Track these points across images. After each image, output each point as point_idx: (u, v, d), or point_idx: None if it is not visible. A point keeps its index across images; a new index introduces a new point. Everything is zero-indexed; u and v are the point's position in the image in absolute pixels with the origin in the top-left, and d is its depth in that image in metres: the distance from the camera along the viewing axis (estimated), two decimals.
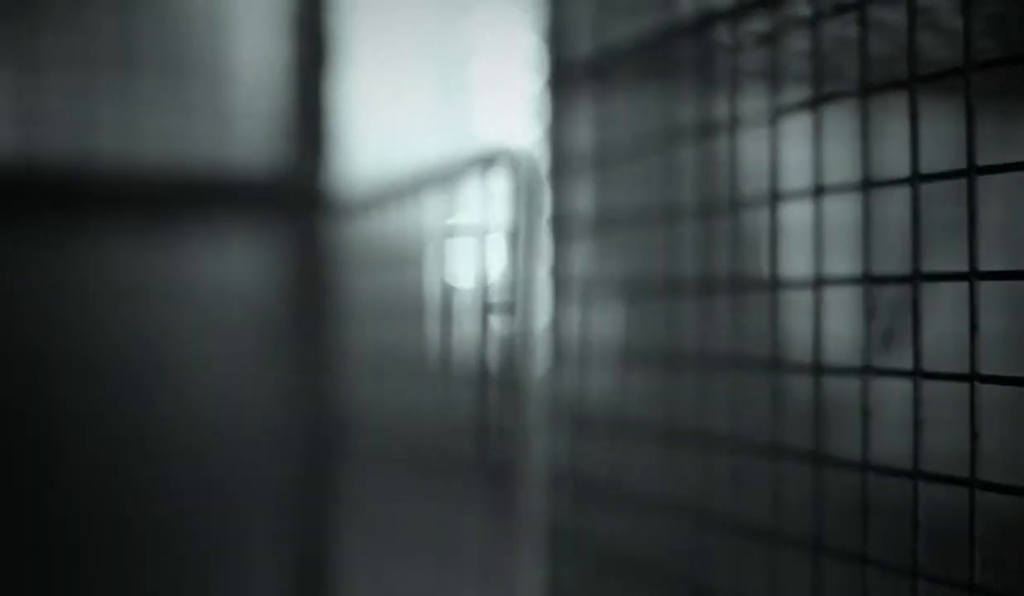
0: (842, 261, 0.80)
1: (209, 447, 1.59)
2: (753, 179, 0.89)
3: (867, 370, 0.73)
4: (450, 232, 1.15)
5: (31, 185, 1.24)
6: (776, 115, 0.82)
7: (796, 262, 0.86)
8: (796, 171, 0.85)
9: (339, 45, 1.35)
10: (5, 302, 1.51)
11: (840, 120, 0.81)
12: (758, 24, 0.87)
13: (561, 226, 1.07)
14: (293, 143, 1.42)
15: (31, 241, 1.48)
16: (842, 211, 0.82)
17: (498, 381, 1.05)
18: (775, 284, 0.82)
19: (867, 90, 0.73)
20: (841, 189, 0.76)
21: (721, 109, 0.92)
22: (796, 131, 0.86)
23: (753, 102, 0.90)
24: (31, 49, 1.29)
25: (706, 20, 0.89)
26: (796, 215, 0.83)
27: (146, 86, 1.36)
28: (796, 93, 0.85)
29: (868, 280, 0.73)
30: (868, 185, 0.74)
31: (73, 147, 1.30)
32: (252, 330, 1.58)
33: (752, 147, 0.87)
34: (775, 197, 0.82)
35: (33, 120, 1.27)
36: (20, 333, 1.51)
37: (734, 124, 0.87)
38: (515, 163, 1.00)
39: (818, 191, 0.77)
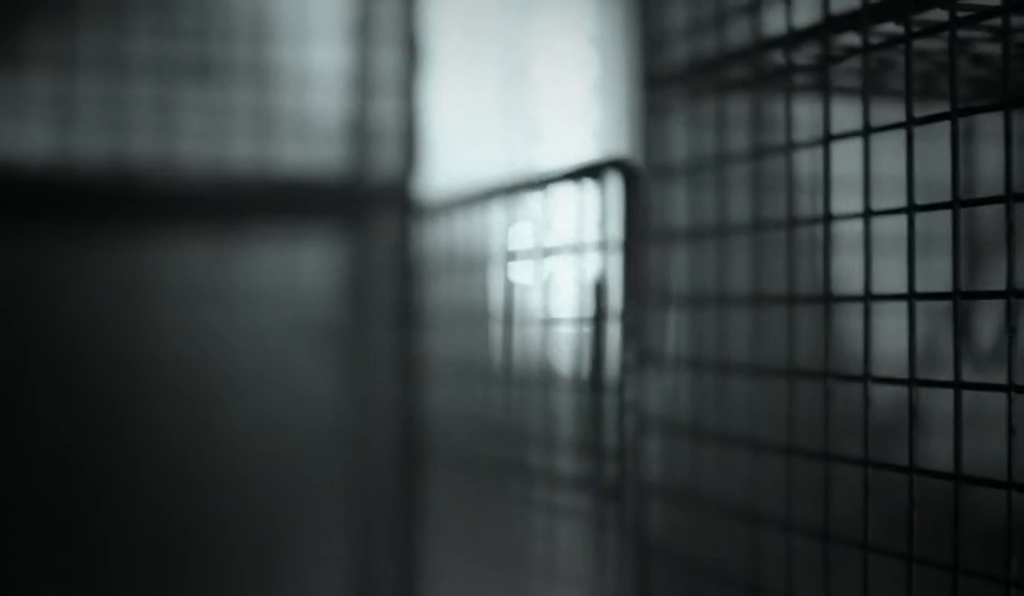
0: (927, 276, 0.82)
1: (277, 449, 1.62)
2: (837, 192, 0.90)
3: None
4: (545, 241, 1.16)
5: (110, 191, 1.27)
6: (868, 132, 0.83)
7: (887, 272, 0.88)
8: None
9: (425, 50, 1.37)
10: (78, 304, 1.53)
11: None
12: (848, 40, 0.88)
13: (658, 236, 1.09)
14: (377, 148, 1.44)
15: (104, 246, 1.52)
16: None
17: (592, 390, 1.06)
18: (868, 297, 0.84)
19: (960, 112, 0.75)
20: (934, 207, 0.78)
21: (808, 121, 0.94)
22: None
23: (845, 116, 0.92)
24: (120, 55, 1.32)
25: (796, 36, 0.91)
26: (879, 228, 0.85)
27: (227, 93, 1.39)
28: (883, 110, 0.87)
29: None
30: (961, 203, 0.75)
31: (154, 153, 1.33)
32: (336, 333, 1.60)
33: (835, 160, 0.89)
34: (869, 213, 0.84)
35: (118, 127, 1.31)
36: (91, 334, 1.54)
37: (813, 142, 0.88)
38: (618, 172, 1.01)
39: (912, 209, 0.79)
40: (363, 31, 1.42)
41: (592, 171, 1.06)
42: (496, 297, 1.26)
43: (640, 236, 1.01)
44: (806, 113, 1.04)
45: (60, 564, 1.57)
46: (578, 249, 1.09)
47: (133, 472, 1.57)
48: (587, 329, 1.07)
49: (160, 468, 1.58)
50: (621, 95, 1.89)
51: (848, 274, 0.96)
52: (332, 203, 1.44)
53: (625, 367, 1.00)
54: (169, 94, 1.34)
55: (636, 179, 1.01)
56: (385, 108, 1.41)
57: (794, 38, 0.90)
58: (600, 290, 1.06)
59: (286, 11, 1.44)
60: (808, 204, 1.02)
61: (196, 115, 1.36)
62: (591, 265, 1.08)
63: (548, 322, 1.15)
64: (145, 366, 1.56)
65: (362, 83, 1.42)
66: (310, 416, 1.66)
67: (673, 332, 1.09)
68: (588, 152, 1.08)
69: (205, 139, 1.35)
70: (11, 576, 1.55)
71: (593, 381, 1.07)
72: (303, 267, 1.65)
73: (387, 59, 1.41)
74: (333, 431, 1.67)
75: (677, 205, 1.10)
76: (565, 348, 1.14)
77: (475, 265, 1.33)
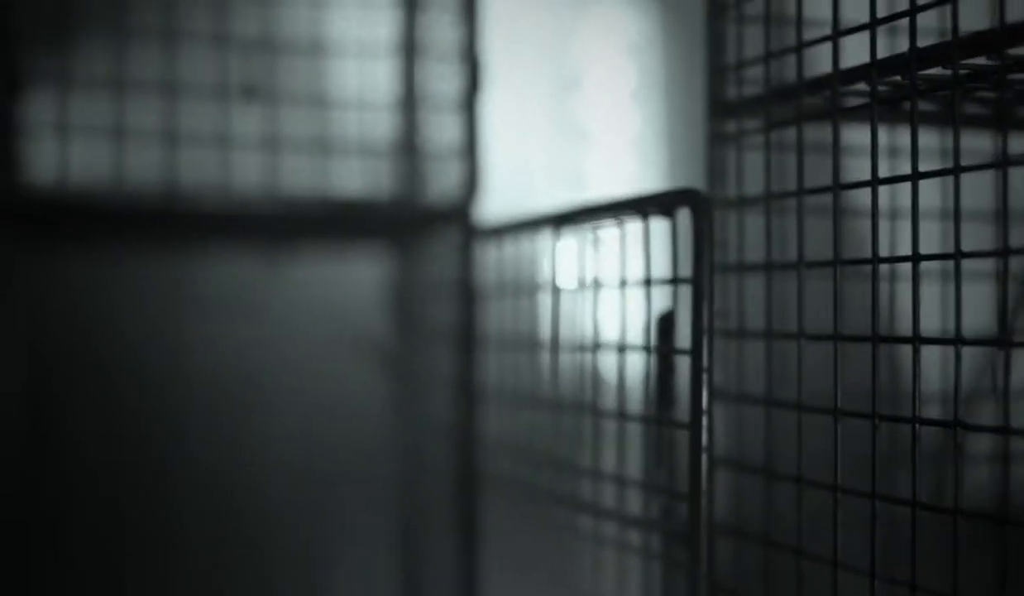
0: None
1: (326, 459, 1.63)
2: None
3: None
4: (607, 270, 1.14)
5: (167, 209, 1.26)
6: (958, 171, 0.81)
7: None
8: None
9: (486, 73, 1.34)
10: (136, 317, 1.57)
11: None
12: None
13: (729, 268, 1.06)
14: (435, 167, 1.42)
15: (159, 261, 1.57)
16: None
17: (660, 426, 1.04)
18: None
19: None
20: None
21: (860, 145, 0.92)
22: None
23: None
24: (177, 77, 1.31)
25: (877, 67, 0.88)
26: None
27: (284, 112, 1.37)
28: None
29: None
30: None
31: (211, 172, 1.31)
32: (385, 351, 1.60)
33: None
34: (960, 255, 0.81)
35: (175, 146, 1.29)
36: (153, 343, 1.58)
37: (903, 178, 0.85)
38: (689, 204, 0.98)
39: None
40: (420, 48, 1.39)
41: (661, 201, 1.03)
42: (550, 324, 1.23)
43: (710, 270, 0.98)
44: (857, 138, 1.02)
45: (108, 572, 1.57)
46: (644, 281, 1.06)
47: (183, 481, 1.59)
48: (654, 363, 1.04)
49: (210, 477, 1.60)
50: (687, 123, 1.87)
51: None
52: (386, 222, 1.41)
53: (697, 405, 0.97)
54: (226, 114, 1.32)
55: (708, 211, 0.98)
56: (442, 126, 1.38)
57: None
58: (668, 324, 1.04)
59: (342, 30, 1.42)
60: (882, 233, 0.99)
61: (253, 134, 1.35)
62: (658, 297, 1.06)
63: (613, 350, 1.12)
64: (198, 378, 1.59)
65: (419, 101, 1.40)
66: (358, 433, 1.66)
67: (740, 366, 1.06)
68: (651, 181, 1.05)
69: (261, 157, 1.33)
70: (56, 584, 1.56)
71: (660, 417, 1.04)
72: (355, 285, 1.66)
73: (444, 76, 1.39)
74: (380, 446, 1.66)
75: (748, 233, 1.07)
76: (628, 381, 1.11)
77: (530, 290, 1.30)
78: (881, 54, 0.90)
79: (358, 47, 1.45)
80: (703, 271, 0.97)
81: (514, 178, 1.73)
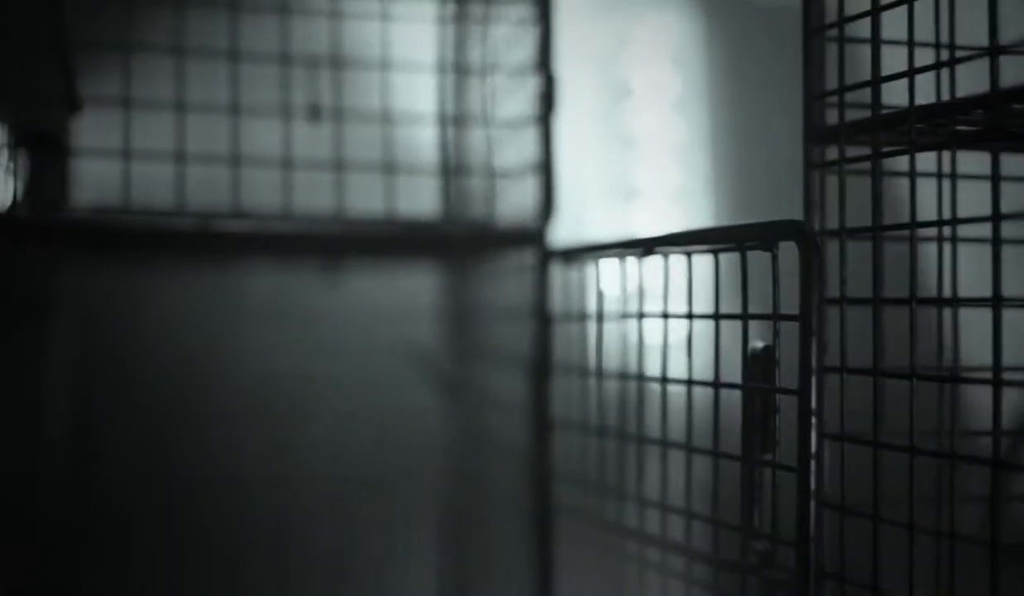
0: None
1: (379, 469, 1.61)
2: None
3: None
4: (697, 301, 1.09)
5: (230, 224, 1.23)
6: None
7: None
8: None
9: (560, 89, 1.30)
10: (206, 326, 1.59)
11: None
12: None
13: (833, 301, 1.01)
14: (503, 185, 1.38)
15: (232, 274, 1.60)
16: None
17: (758, 466, 0.99)
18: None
19: None
20: None
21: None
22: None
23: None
24: (243, 99, 1.28)
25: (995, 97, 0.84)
26: None
27: (348, 129, 1.34)
28: None
29: None
30: None
31: (274, 187, 1.28)
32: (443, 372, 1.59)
33: None
34: None
35: (238, 166, 1.25)
36: (211, 356, 1.61)
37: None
38: (797, 236, 0.93)
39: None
40: (491, 65, 1.35)
41: (763, 234, 0.98)
42: (636, 353, 1.18)
43: (820, 307, 0.94)
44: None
45: (160, 576, 1.57)
46: (742, 315, 1.02)
47: (242, 484, 1.60)
48: (754, 401, 1.00)
49: (269, 480, 1.60)
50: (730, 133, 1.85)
51: None
52: (455, 241, 1.37)
53: (806, 448, 0.93)
54: (290, 133, 1.28)
55: (816, 246, 0.93)
56: (514, 144, 1.34)
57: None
58: (768, 361, 0.99)
59: (408, 47, 1.38)
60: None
61: (318, 153, 1.31)
62: (753, 332, 1.01)
63: (708, 386, 1.07)
64: (261, 383, 1.60)
65: (490, 119, 1.35)
66: (416, 454, 1.65)
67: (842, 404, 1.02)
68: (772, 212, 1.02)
69: (326, 176, 1.29)
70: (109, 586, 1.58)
71: (760, 458, 1.00)
72: (417, 304, 1.64)
73: (516, 93, 1.35)
74: (438, 468, 1.64)
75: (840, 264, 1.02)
76: (722, 418, 1.06)
77: (613, 316, 1.26)
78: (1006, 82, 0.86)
79: (425, 64, 1.41)
80: (812, 308, 0.93)
81: (567, 192, 1.71)
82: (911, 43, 0.96)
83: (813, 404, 0.93)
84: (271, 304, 1.62)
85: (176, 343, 1.58)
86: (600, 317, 1.22)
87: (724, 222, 1.87)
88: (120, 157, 1.21)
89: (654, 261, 1.15)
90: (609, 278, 1.24)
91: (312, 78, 1.27)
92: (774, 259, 0.97)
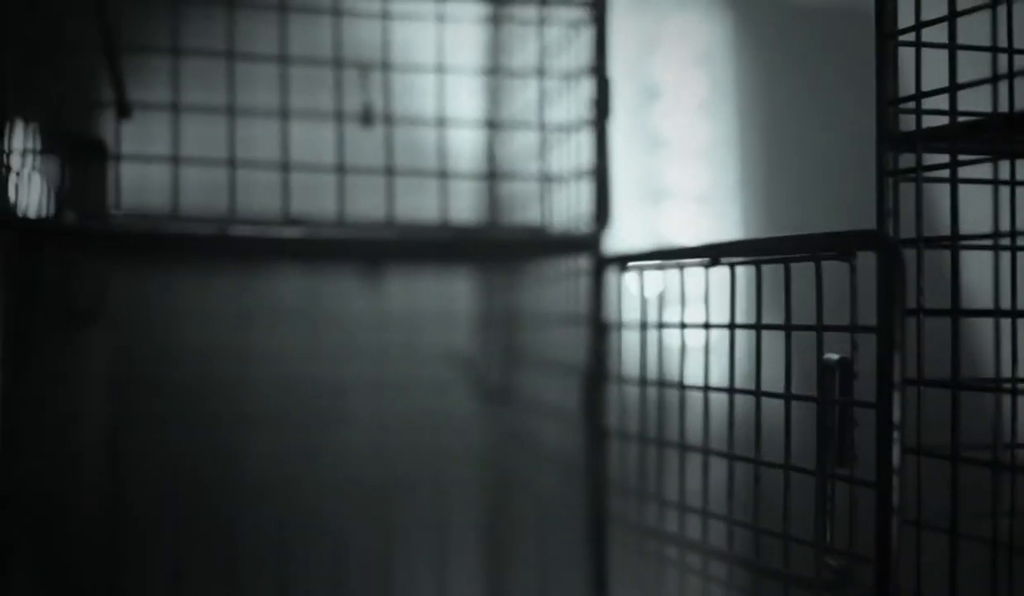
0: None
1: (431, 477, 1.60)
2: None
3: None
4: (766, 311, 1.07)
5: (280, 230, 1.21)
6: None
7: None
8: None
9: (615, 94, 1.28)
10: (255, 329, 1.61)
11: None
12: None
13: (911, 311, 0.99)
14: (573, 196, 1.36)
15: (273, 277, 1.63)
16: None
17: (843, 479, 0.97)
18: None
19: None
20: None
21: None
22: None
23: None
24: (286, 106, 1.26)
25: None
26: None
27: (404, 141, 1.32)
28: None
29: None
30: None
31: (328, 198, 1.26)
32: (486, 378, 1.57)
33: None
34: None
35: (289, 172, 1.23)
36: (255, 353, 1.62)
37: None
38: (878, 246, 0.91)
39: None
40: (546, 68, 1.32)
41: (840, 244, 0.96)
42: (702, 364, 1.16)
43: (902, 320, 0.91)
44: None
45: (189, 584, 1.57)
46: (817, 326, 0.99)
47: (284, 490, 1.62)
48: (832, 414, 0.98)
49: (309, 485, 1.62)
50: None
51: None
52: (510, 246, 1.35)
53: (887, 463, 0.90)
54: (342, 136, 1.26)
55: (898, 256, 0.91)
56: (568, 150, 1.32)
57: None
58: (847, 373, 0.97)
59: (455, 51, 1.36)
60: None
61: (366, 155, 1.29)
62: (828, 343, 0.99)
63: (779, 397, 1.05)
64: (299, 388, 1.62)
65: (544, 124, 1.33)
66: (463, 460, 1.64)
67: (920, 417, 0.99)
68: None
69: (375, 180, 1.27)
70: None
71: (837, 472, 0.97)
72: (456, 306, 1.63)
73: (569, 97, 1.33)
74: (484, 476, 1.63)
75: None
76: (794, 430, 1.04)
77: (674, 325, 1.23)
78: None
79: (473, 67, 1.39)
80: (894, 320, 0.90)
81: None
82: (994, 49, 0.94)
83: (895, 418, 0.90)
84: (312, 307, 1.62)
85: (217, 346, 1.58)
86: (660, 326, 1.20)
87: (753, 227, 1.86)
88: (169, 162, 1.19)
89: (715, 271, 1.13)
90: (661, 285, 1.22)
91: (364, 82, 1.24)
92: (852, 269, 0.95)
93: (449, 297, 1.63)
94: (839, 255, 0.97)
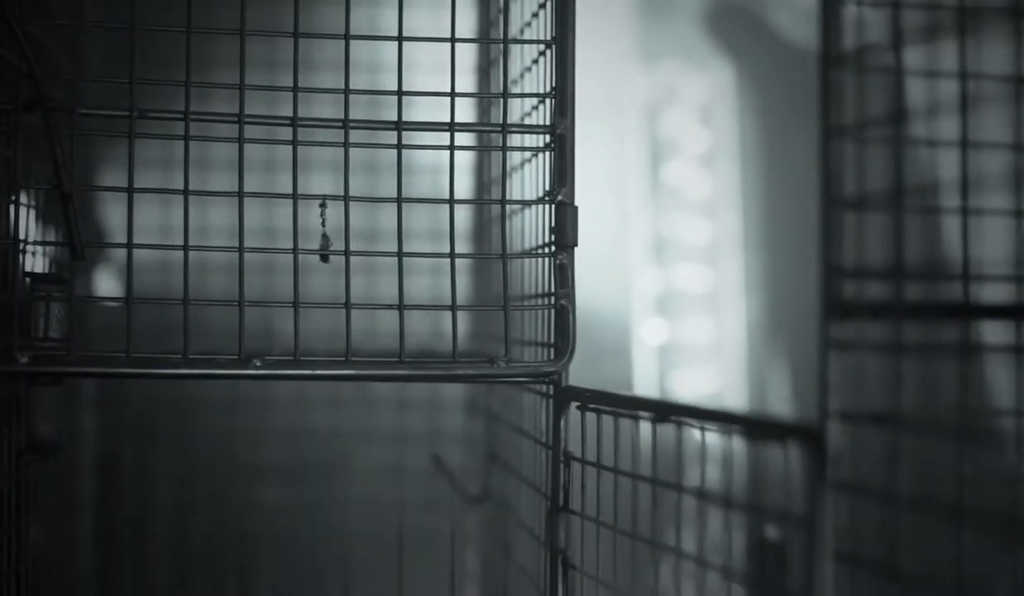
0: None
1: None
2: None
3: None
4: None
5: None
6: None
7: None
8: None
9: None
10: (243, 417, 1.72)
11: None
12: None
13: (843, 487, 0.97)
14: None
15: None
16: None
17: None
18: None
19: None
20: None
21: None
22: None
23: None
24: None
25: None
26: None
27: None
28: None
29: None
30: None
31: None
32: None
33: None
34: None
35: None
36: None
37: None
38: (804, 440, 0.89)
39: None
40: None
41: (776, 431, 0.93)
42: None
43: (826, 511, 0.89)
44: None
45: None
46: (752, 507, 0.97)
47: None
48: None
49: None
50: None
51: None
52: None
53: None
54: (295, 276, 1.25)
55: (823, 452, 0.89)
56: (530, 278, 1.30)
57: None
58: (780, 556, 0.95)
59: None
60: None
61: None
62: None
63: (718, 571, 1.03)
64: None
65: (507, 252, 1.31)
66: None
67: None
68: None
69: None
70: None
71: None
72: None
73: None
74: None
75: None
76: None
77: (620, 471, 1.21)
78: None
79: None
80: (819, 511, 0.88)
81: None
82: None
83: None
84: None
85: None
86: (615, 471, 1.18)
87: (755, 277, 1.86)
88: (122, 303, 1.18)
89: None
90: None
91: (323, 215, 1.23)
92: (785, 455, 0.93)
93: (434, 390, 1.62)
94: (776, 440, 0.94)
